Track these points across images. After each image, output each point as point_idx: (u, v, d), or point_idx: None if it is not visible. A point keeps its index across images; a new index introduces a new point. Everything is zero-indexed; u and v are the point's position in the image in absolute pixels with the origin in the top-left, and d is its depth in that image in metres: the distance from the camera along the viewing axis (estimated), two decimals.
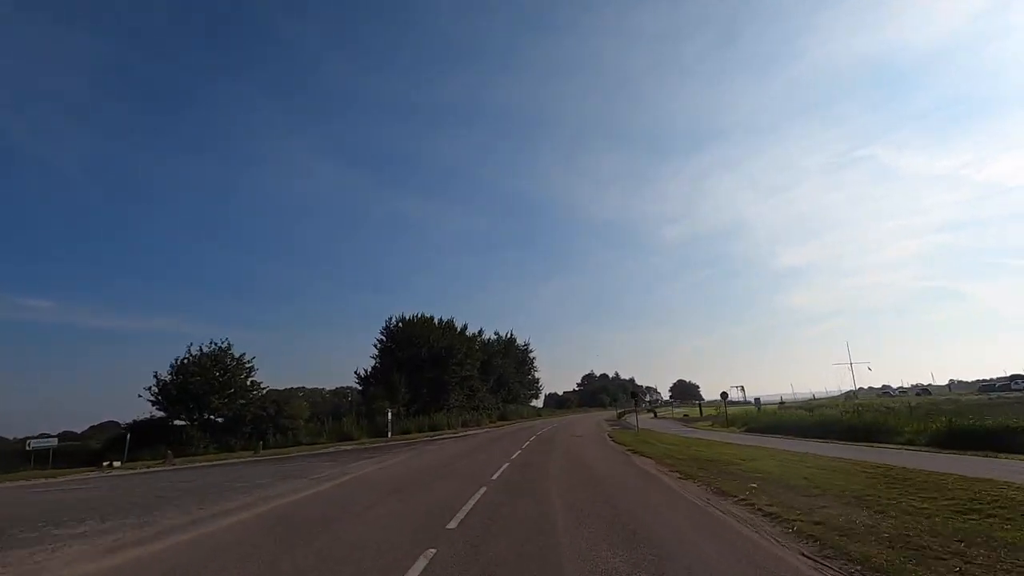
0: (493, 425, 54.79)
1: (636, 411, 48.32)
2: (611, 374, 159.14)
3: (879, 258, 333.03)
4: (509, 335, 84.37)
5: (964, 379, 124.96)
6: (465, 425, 50.14)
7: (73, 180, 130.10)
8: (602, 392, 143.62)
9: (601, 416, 70.21)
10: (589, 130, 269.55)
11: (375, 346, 55.83)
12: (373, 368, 53.36)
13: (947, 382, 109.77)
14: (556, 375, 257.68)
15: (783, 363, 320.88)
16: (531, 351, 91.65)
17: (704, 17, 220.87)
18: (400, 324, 55.85)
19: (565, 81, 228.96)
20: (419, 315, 56.99)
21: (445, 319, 60.28)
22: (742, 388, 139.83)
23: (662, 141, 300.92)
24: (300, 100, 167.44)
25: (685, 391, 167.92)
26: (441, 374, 53.89)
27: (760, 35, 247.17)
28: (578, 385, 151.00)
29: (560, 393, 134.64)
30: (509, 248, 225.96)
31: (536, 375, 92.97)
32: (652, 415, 63.03)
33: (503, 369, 75.38)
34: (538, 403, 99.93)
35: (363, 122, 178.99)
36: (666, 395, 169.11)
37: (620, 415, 60.67)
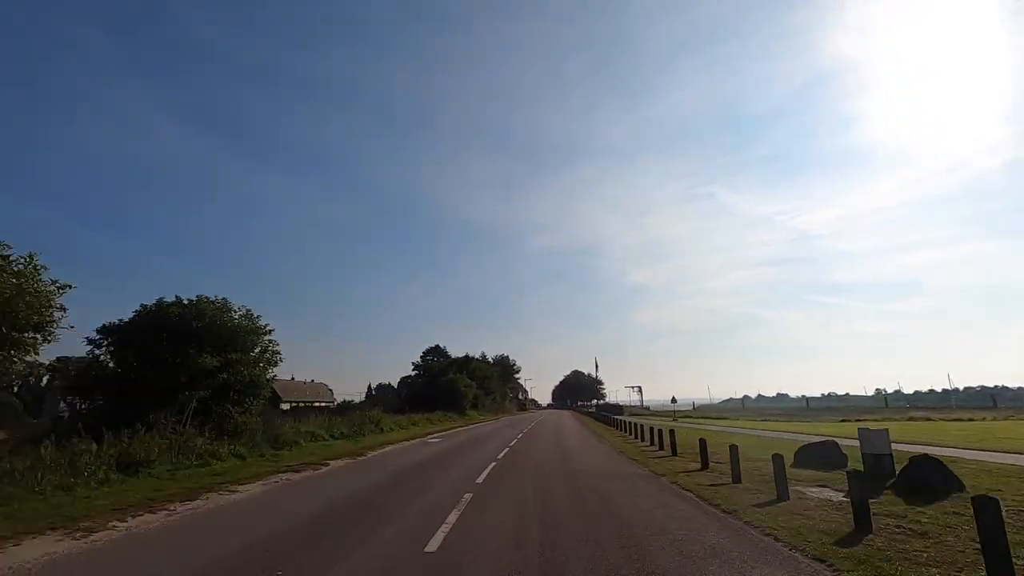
0: None
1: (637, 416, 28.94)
2: (476, 354, 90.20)
3: (712, 285, 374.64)
4: None
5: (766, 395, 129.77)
6: None
7: None
8: (458, 369, 65.83)
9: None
10: (466, 131, 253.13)
11: None
12: None
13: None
14: (391, 359, 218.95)
15: (652, 371, 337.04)
16: None
17: (587, 36, 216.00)
18: None
19: (446, 77, 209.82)
20: None
21: None
22: (639, 389, 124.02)
23: (535, 153, 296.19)
24: (136, 41, 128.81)
25: (580, 389, 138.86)
26: None
27: (630, 67, 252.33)
28: (415, 367, 72.17)
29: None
30: (372, 240, 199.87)
31: None
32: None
33: None
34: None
35: (218, 83, 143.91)
36: (532, 393, 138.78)
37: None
